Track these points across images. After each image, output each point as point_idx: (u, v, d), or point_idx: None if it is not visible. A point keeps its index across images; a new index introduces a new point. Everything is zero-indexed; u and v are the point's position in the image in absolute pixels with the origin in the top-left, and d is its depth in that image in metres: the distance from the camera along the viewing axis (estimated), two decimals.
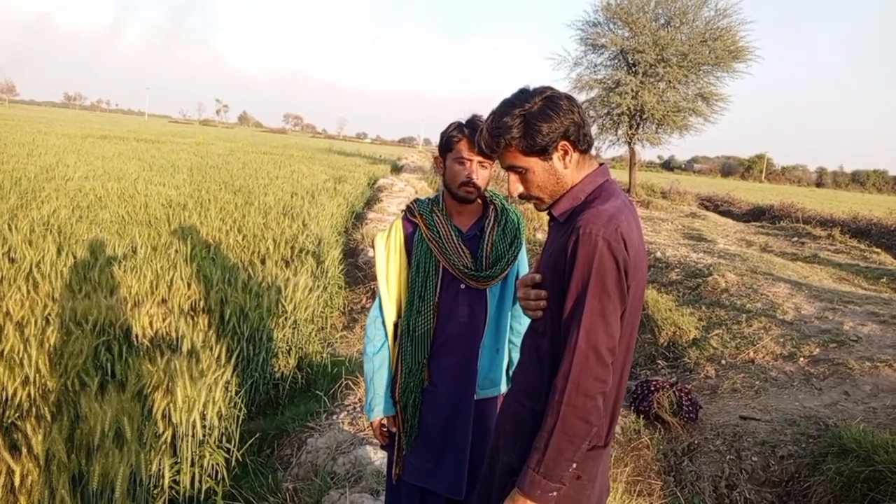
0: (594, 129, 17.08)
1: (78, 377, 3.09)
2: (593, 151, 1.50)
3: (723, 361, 5.07)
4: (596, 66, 19.02)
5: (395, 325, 2.06)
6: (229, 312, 4.19)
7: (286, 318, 4.66)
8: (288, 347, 4.62)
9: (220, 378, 3.25)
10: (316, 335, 5.28)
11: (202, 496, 2.99)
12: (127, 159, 15.35)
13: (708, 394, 4.55)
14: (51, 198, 7.60)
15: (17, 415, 2.82)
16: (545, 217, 1.71)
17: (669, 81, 17.75)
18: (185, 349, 3.51)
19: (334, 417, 3.75)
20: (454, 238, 1.98)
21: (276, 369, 4.44)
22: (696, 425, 3.91)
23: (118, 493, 2.48)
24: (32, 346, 3.09)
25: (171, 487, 2.87)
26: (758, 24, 18.59)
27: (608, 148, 19.80)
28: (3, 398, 2.87)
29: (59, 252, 4.86)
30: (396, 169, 25.30)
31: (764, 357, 5.00)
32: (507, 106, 1.40)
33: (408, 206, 2.09)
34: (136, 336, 3.66)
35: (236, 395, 3.60)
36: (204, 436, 3.06)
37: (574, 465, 1.34)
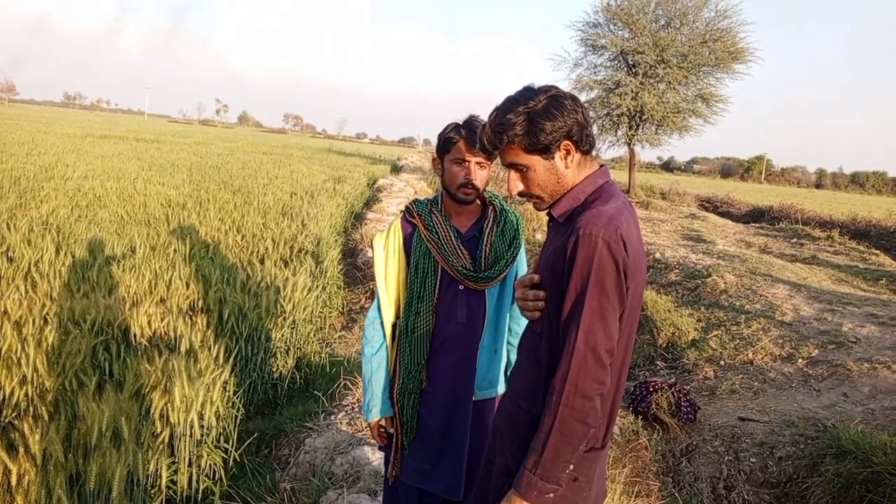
0: (594, 130, 17.02)
1: (76, 377, 3.09)
2: (593, 152, 1.49)
3: (721, 362, 5.06)
4: (596, 66, 19.05)
5: (394, 326, 2.06)
6: (228, 312, 4.18)
7: (285, 318, 4.66)
8: (286, 347, 4.62)
9: (219, 378, 3.24)
10: (314, 335, 5.28)
11: (199, 496, 2.99)
12: (126, 159, 15.35)
13: (706, 395, 4.55)
14: (50, 197, 7.60)
15: (14, 414, 2.82)
16: (544, 218, 1.71)
17: (669, 82, 17.75)
18: (183, 349, 3.51)
19: (332, 418, 3.75)
20: (453, 239, 1.98)
21: (274, 369, 4.44)
22: (694, 426, 3.91)
23: (115, 493, 2.48)
24: (30, 346, 3.09)
25: (168, 487, 2.86)
26: (758, 26, 18.65)
27: (608, 149, 19.83)
28: (1, 398, 2.86)
29: (57, 251, 4.86)
30: (396, 169, 25.29)
31: (763, 358, 5.00)
32: (512, 103, 1.40)
33: (406, 207, 2.09)
34: (135, 336, 3.65)
35: (234, 394, 3.59)
36: (202, 436, 3.05)
37: (571, 467, 1.34)
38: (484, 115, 1.62)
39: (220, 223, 6.97)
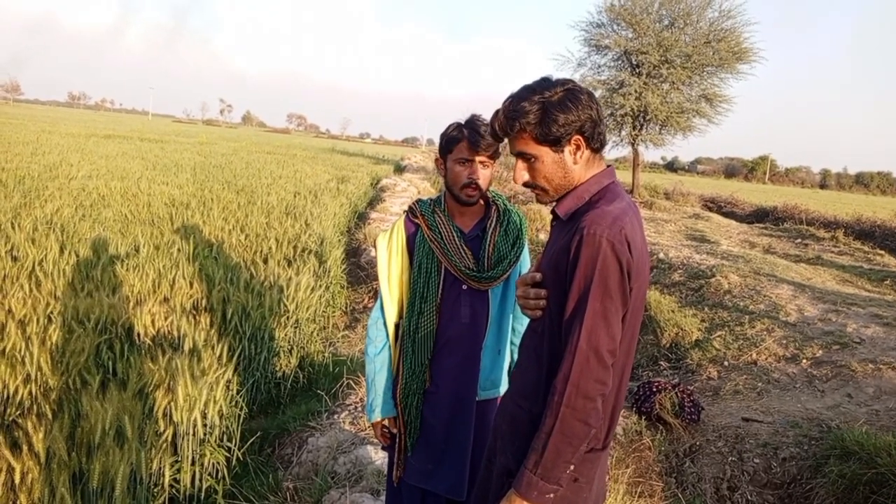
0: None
1: (79, 375, 3.09)
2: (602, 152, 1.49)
3: (725, 363, 5.05)
4: (599, 66, 19.02)
5: (397, 326, 2.06)
6: (231, 311, 4.19)
7: (288, 318, 4.66)
8: (290, 347, 4.63)
9: (222, 377, 3.25)
10: (318, 334, 5.28)
11: (202, 495, 2.99)
12: (130, 158, 15.39)
13: (710, 395, 4.54)
14: (54, 196, 7.62)
15: (18, 412, 2.82)
16: (548, 217, 1.71)
17: (673, 82, 17.72)
18: (186, 348, 3.52)
19: (335, 417, 3.75)
20: (456, 239, 1.97)
21: (277, 368, 4.45)
22: (697, 427, 3.90)
23: (118, 492, 2.48)
24: (34, 344, 3.10)
25: (171, 486, 2.87)
26: (762, 25, 18.58)
27: (612, 149, 19.81)
28: (5, 396, 2.87)
29: (61, 250, 4.88)
30: (399, 169, 25.32)
31: (766, 359, 4.98)
32: (528, 91, 1.39)
33: (410, 207, 2.09)
34: (138, 334, 3.66)
35: (237, 393, 3.60)
36: (205, 434, 3.06)
37: (572, 467, 1.33)
38: (486, 115, 1.61)
39: (223, 223, 6.98)
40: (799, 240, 12.93)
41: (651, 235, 11.68)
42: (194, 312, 4.13)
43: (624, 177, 20.76)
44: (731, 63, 17.32)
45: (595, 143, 1.42)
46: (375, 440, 2.99)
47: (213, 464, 3.09)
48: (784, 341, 5.19)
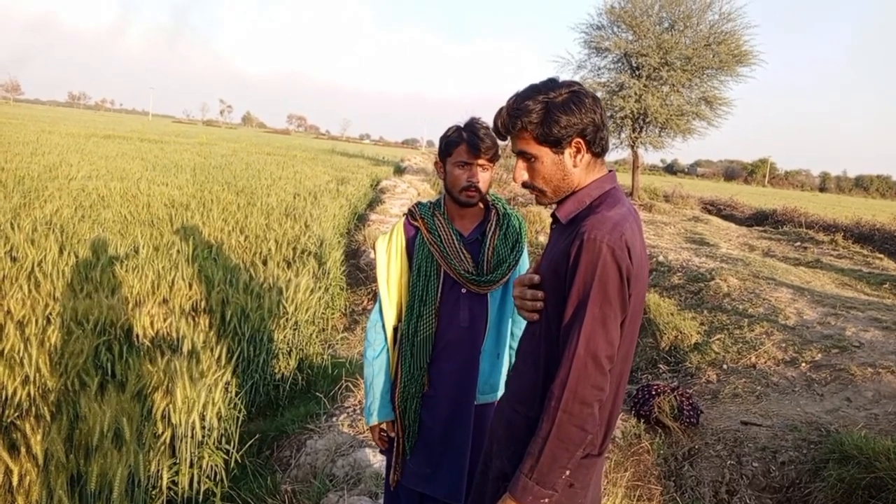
0: None
1: (78, 377, 3.09)
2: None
3: (724, 366, 5.05)
4: (599, 69, 19.04)
5: (396, 330, 2.05)
6: (230, 313, 4.19)
7: (287, 320, 4.66)
8: (288, 349, 4.62)
9: (220, 379, 3.25)
10: (317, 336, 5.27)
11: (201, 497, 2.99)
12: (130, 159, 15.38)
13: (709, 398, 4.53)
14: (53, 197, 7.61)
15: (16, 414, 2.82)
16: (547, 219, 1.70)
17: (673, 85, 17.73)
18: (185, 350, 3.51)
19: (334, 419, 3.75)
20: (456, 242, 1.97)
21: (276, 370, 4.44)
22: (696, 430, 3.90)
23: (116, 494, 2.48)
24: (33, 346, 3.09)
25: (169, 488, 2.86)
26: (762, 28, 18.60)
27: (611, 151, 19.80)
28: (3, 397, 2.87)
29: (61, 251, 4.87)
30: (399, 170, 25.33)
31: (766, 362, 4.98)
32: (533, 91, 1.40)
33: (409, 210, 2.09)
34: (137, 336, 3.66)
35: (236, 396, 3.60)
36: (203, 437, 3.05)
37: (567, 473, 1.33)
38: (486, 117, 1.61)
39: (223, 224, 6.98)
40: (798, 243, 12.94)
41: (650, 238, 11.69)
42: (193, 314, 4.12)
43: (623, 179, 20.78)
44: (731, 66, 17.34)
45: (596, 148, 1.42)
46: (374, 443, 2.99)
47: (212, 466, 3.09)
48: (783, 345, 5.19)
